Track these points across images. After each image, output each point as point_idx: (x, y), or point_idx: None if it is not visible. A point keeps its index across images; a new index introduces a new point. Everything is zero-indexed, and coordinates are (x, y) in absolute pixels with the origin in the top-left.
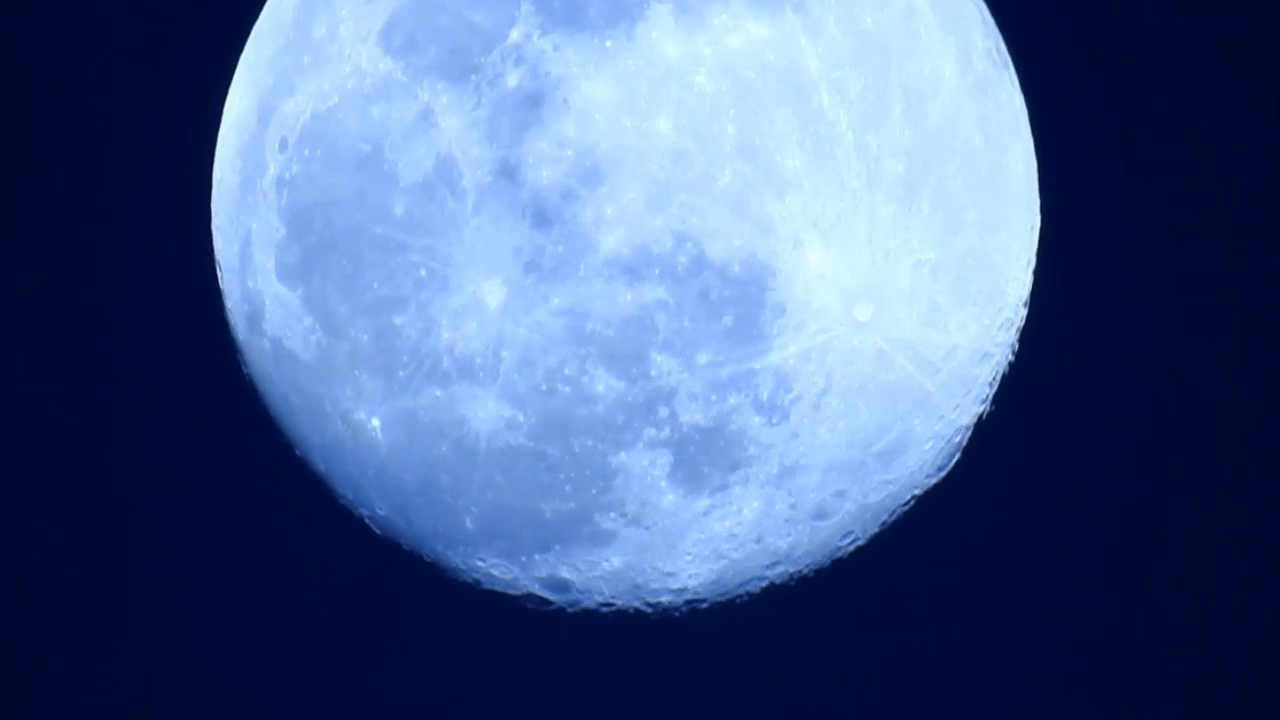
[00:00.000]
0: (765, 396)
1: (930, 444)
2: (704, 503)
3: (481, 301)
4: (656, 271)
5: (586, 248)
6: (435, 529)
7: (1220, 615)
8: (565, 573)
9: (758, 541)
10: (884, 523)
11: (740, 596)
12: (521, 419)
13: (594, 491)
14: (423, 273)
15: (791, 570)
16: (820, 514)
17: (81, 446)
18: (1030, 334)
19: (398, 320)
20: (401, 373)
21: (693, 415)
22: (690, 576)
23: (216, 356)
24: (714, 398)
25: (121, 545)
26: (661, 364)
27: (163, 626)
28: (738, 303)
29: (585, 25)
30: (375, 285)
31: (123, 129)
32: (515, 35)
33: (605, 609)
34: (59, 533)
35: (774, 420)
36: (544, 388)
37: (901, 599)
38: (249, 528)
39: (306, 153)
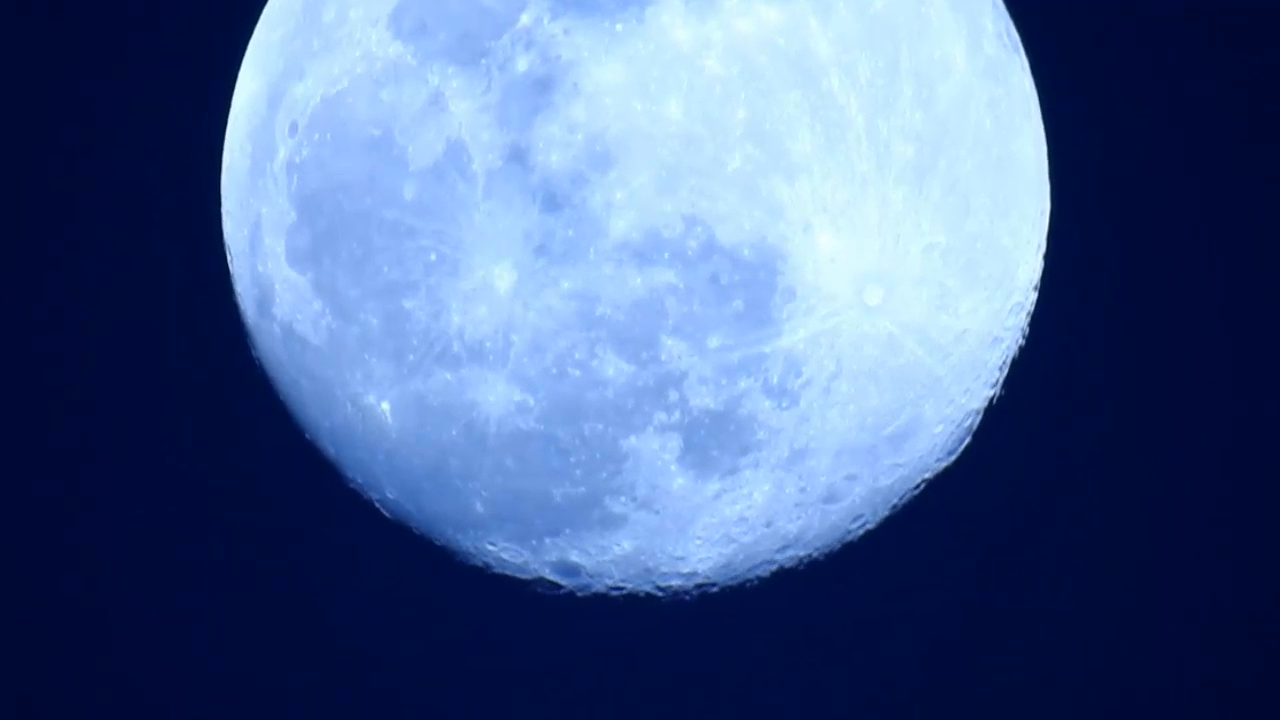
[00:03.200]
0: (775, 380)
1: (940, 428)
2: (714, 487)
3: (491, 285)
4: (666, 255)
5: (596, 232)
6: (445, 513)
7: (1228, 597)
8: (575, 556)
9: (768, 525)
10: (894, 506)
11: (750, 580)
12: (532, 403)
13: (604, 475)
14: (433, 257)
15: (801, 554)
16: (830, 498)
17: (91, 432)
18: (1040, 318)
19: (408, 304)
20: (411, 356)
21: (703, 399)
22: (700, 560)
23: (226, 340)
24: (724, 382)
25: (131, 530)
26: (671, 348)
27: (171, 611)
28: (748, 287)
29: (595, 9)
30: (385, 269)
31: (133, 113)
32: (525, 19)
33: (615, 593)
34: (68, 516)
35: (784, 404)
36: (554, 371)
37: (911, 582)
38: (258, 512)
39: (316, 137)
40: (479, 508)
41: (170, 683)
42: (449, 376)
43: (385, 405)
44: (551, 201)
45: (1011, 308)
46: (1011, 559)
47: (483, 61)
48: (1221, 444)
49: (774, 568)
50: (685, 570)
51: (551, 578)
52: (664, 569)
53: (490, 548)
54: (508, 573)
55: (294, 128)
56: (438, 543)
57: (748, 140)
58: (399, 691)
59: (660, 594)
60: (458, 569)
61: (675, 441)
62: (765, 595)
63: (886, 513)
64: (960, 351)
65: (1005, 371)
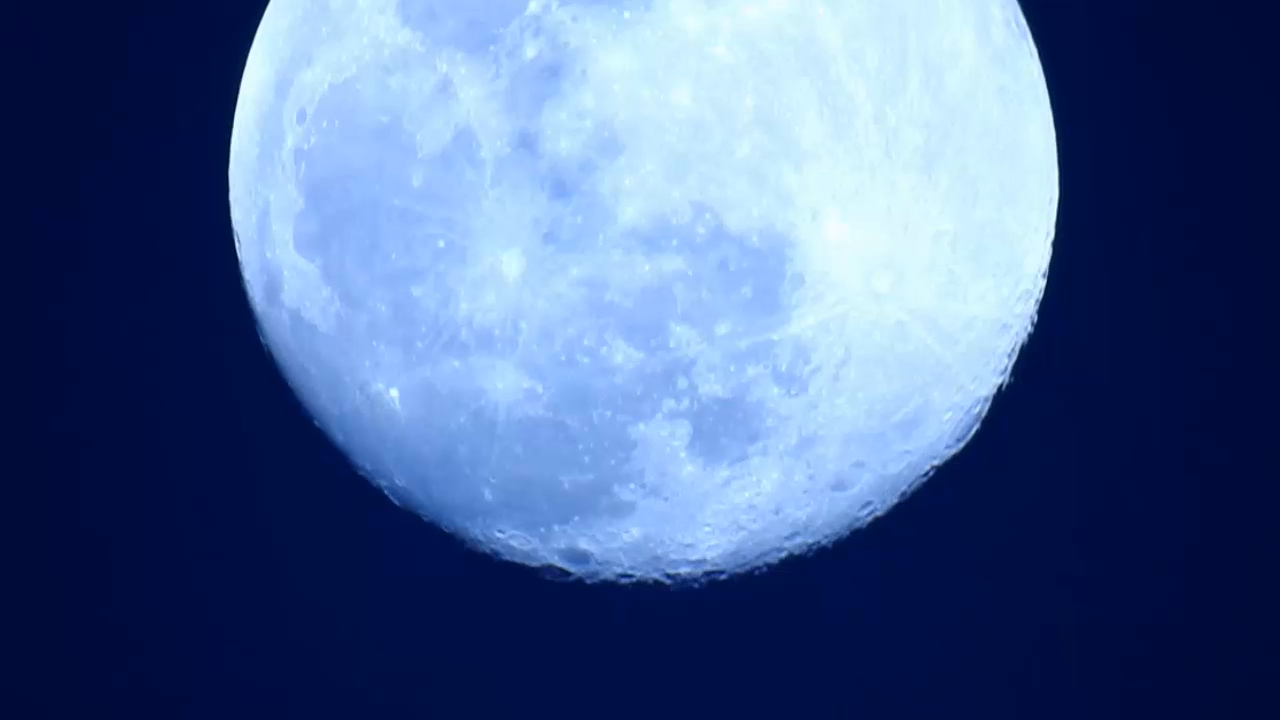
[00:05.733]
0: (784, 367)
1: (949, 415)
2: (723, 474)
3: (500, 272)
4: (675, 242)
5: (605, 219)
6: (454, 500)
7: (1230, 588)
8: (584, 544)
9: (776, 512)
10: (903, 493)
11: (759, 568)
12: (540, 390)
13: (613, 462)
14: (441, 244)
15: (810, 541)
16: (839, 485)
17: (99, 420)
18: (1049, 306)
19: (416, 291)
20: (420, 344)
21: (711, 386)
22: (709, 548)
23: (234, 328)
24: (733, 369)
25: (138, 517)
26: (680, 335)
27: (179, 598)
28: (756, 274)
29: None
30: (393, 256)
31: (141, 101)
32: (534, 6)
33: (624, 580)
34: (73, 503)
35: (793, 391)
36: (563, 358)
37: (920, 570)
38: (266, 499)
39: (324, 124)
40: (488, 495)
41: (174, 668)
42: (457, 364)
43: (394, 392)
44: (560, 188)
45: (1020, 295)
46: (1020, 547)
47: (491, 48)
48: (1230, 431)
49: (783, 555)
50: (694, 558)
51: (560, 565)
52: (673, 556)
53: (499, 535)
54: (516, 560)
55: (302, 115)
56: (446, 530)
57: (756, 127)
58: (406, 679)
59: (669, 581)
60: (466, 556)
61: (684, 428)
62: (774, 583)
63: (895, 500)
64: (969, 339)
65: (1014, 359)
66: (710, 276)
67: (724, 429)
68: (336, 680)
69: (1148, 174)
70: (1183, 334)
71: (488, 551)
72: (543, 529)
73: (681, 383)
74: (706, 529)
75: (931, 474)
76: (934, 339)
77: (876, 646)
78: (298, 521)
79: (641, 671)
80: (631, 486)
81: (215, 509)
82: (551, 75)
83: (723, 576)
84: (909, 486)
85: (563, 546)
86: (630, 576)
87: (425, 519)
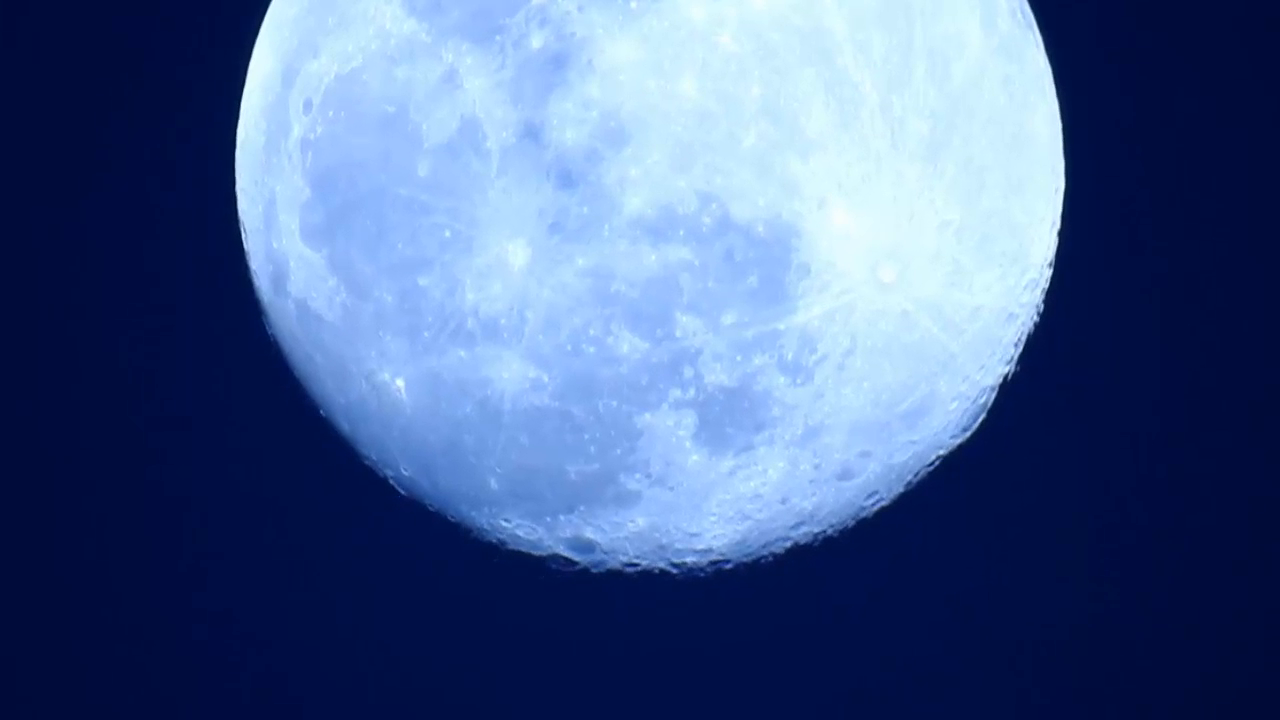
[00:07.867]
0: (790, 357)
1: (955, 404)
2: (729, 463)
3: (506, 262)
4: (681, 232)
5: (611, 208)
6: (460, 490)
7: (1238, 582)
8: (590, 533)
9: (782, 502)
10: (908, 483)
11: (765, 557)
12: (546, 379)
13: (619, 452)
14: (447, 234)
15: (816, 531)
16: (845, 474)
17: (105, 409)
18: (1055, 295)
19: (422, 281)
20: (426, 333)
21: (717, 376)
22: (715, 537)
23: (241, 317)
24: (739, 358)
25: (144, 506)
26: (686, 324)
27: (183, 587)
28: (762, 263)
29: None
30: (400, 246)
31: (148, 91)
32: None
33: (630, 570)
34: (80, 492)
35: (799, 381)
36: (568, 348)
37: (925, 559)
38: (272, 488)
39: (331, 114)
40: (493, 484)
41: (179, 656)
42: (463, 353)
43: (400, 382)
44: (566, 178)
45: (1026, 284)
46: (1025, 537)
47: (497, 38)
48: (1235, 422)
49: (788, 544)
50: (700, 547)
51: (566, 555)
52: (678, 546)
53: (505, 524)
54: (522, 550)
55: (308, 105)
56: (452, 519)
57: (762, 117)
58: (412, 668)
59: (675, 571)
60: (472, 546)
61: (690, 418)
62: (780, 572)
63: (901, 489)
64: (975, 328)
65: (1020, 348)
66: (716, 266)
67: (730, 419)
68: (341, 669)
69: (1153, 164)
70: (1188, 324)
71: (493, 541)
72: (548, 518)
73: (687, 372)
74: (712, 518)
75: (937, 464)
76: (940, 329)
77: (882, 636)
78: (303, 511)
79: (647, 661)
80: (637, 476)
81: (220, 499)
82: (557, 65)
83: (728, 566)
84: (915, 476)
85: (568, 536)
86: (636, 566)
87: (431, 508)
